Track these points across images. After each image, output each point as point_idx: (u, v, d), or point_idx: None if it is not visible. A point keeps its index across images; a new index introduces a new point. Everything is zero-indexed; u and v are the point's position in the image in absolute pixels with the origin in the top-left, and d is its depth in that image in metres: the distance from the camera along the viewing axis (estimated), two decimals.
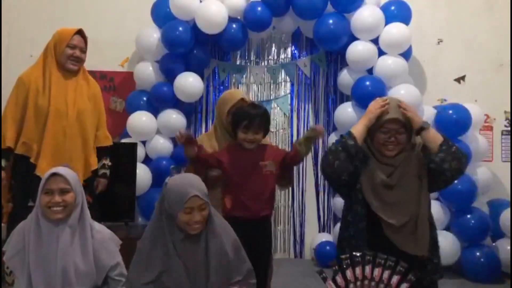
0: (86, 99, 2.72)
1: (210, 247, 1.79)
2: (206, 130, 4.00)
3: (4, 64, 3.92)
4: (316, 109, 4.10)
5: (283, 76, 4.16)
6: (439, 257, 2.04)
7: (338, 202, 3.74)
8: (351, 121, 3.56)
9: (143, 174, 3.65)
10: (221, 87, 4.10)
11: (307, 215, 4.08)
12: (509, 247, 3.46)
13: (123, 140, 3.79)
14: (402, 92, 3.59)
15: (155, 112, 3.85)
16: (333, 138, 3.89)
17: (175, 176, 1.82)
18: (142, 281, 1.76)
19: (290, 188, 4.06)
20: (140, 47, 3.90)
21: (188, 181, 1.79)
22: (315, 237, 4.00)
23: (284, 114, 4.15)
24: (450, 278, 3.37)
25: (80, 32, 2.71)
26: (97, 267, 1.89)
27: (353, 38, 3.75)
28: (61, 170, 1.90)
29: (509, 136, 4.06)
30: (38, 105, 2.59)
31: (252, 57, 4.17)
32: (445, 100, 4.06)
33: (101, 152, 2.81)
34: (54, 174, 1.87)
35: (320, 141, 4.05)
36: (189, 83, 3.76)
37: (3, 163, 2.58)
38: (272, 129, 4.04)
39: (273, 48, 4.19)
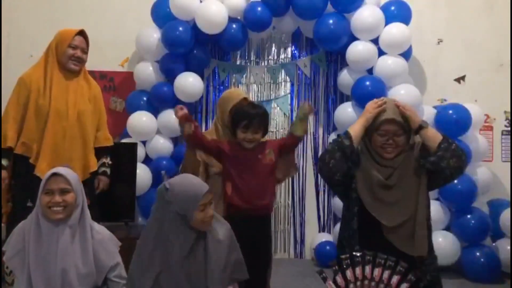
0: (86, 100, 2.72)
1: (209, 247, 1.79)
2: (206, 130, 3.99)
3: (4, 64, 3.92)
4: (316, 109, 4.09)
5: (283, 76, 4.16)
6: (435, 257, 2.03)
7: (338, 202, 3.73)
8: (351, 121, 3.54)
9: (143, 174, 3.65)
10: (221, 87, 4.10)
11: (307, 215, 4.08)
12: (509, 247, 3.45)
13: (123, 140, 3.79)
14: (402, 92, 3.59)
15: (155, 112, 3.86)
16: (333, 138, 3.88)
17: (175, 180, 1.78)
18: (142, 283, 1.75)
19: (290, 188, 4.07)
20: (140, 47, 3.90)
21: (192, 181, 1.80)
22: (315, 237, 3.99)
23: (284, 114, 4.15)
24: (450, 278, 3.36)
25: (81, 33, 2.71)
26: (96, 267, 1.89)
27: (353, 38, 3.74)
28: (61, 170, 1.90)
29: (509, 136, 4.05)
30: (39, 105, 2.59)
31: (252, 57, 4.17)
32: (445, 100, 4.06)
33: (102, 152, 2.81)
34: (55, 174, 1.87)
35: (321, 141, 4.08)
36: (189, 83, 3.76)
37: (4, 162, 2.57)
38: (272, 129, 4.05)
39: (273, 48, 4.18)
